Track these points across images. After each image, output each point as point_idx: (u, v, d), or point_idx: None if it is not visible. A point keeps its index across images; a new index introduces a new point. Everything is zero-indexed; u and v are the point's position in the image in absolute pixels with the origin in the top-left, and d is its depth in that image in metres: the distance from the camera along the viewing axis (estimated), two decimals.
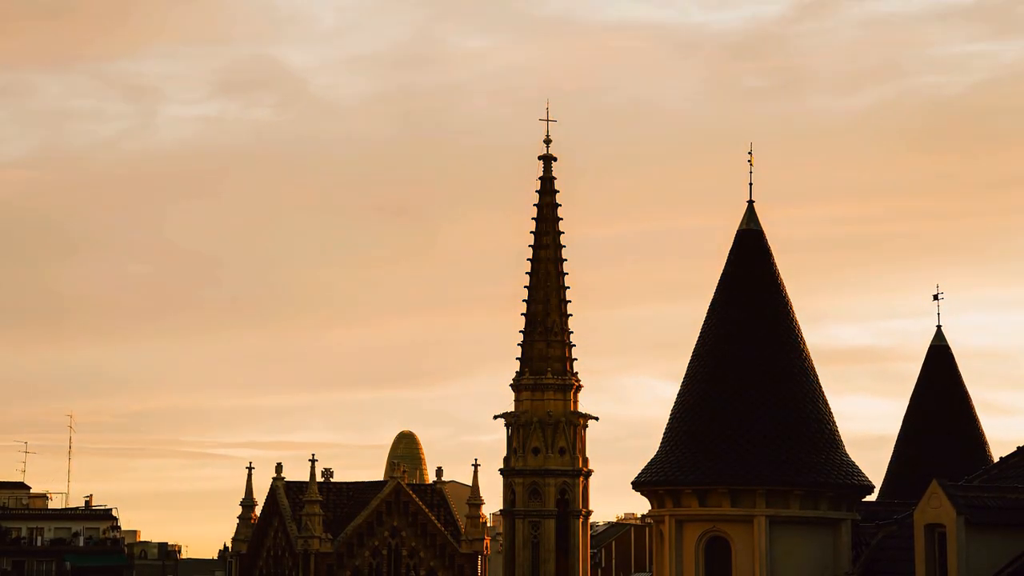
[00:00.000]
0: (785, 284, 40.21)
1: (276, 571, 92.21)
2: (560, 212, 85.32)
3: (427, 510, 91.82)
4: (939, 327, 49.31)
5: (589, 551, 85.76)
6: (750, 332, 39.07)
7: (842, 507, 37.96)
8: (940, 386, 48.60)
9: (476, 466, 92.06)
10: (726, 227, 40.98)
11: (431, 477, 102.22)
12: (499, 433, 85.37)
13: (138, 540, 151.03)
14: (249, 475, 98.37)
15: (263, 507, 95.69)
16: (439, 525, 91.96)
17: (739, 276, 40.10)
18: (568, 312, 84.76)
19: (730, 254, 40.57)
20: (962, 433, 48.01)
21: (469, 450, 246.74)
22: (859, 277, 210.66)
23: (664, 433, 39.44)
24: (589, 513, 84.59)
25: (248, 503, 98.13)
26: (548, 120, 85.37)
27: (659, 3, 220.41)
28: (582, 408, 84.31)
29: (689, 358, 39.96)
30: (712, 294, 40.39)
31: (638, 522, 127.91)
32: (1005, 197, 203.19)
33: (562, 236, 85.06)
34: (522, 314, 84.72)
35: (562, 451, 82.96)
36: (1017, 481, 36.79)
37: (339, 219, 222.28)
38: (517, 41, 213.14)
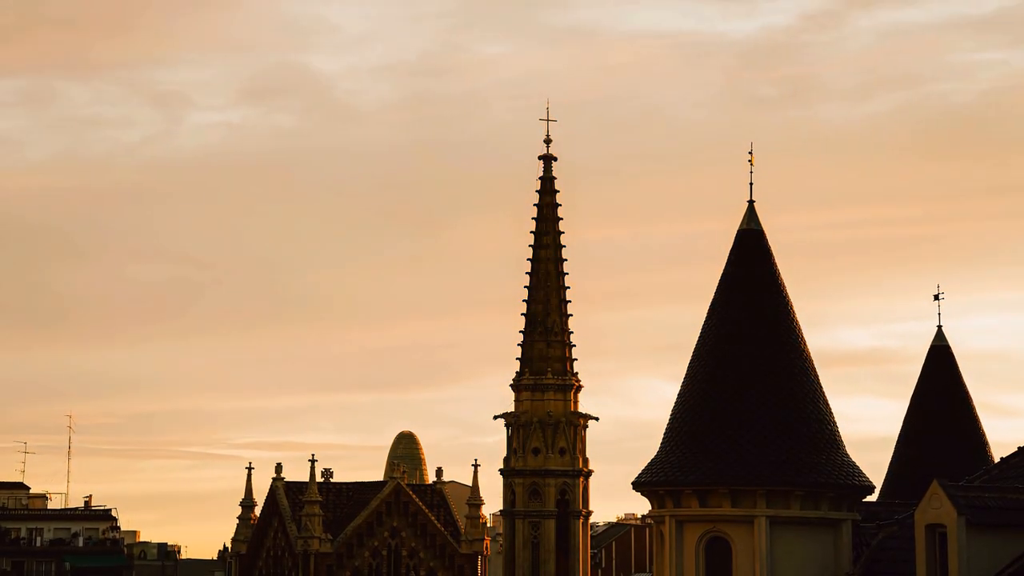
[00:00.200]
0: (786, 284, 40.17)
1: (276, 571, 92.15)
2: (564, 213, 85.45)
3: (427, 510, 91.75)
4: (939, 327, 49.28)
5: (589, 551, 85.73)
6: (750, 332, 39.01)
7: (843, 507, 37.90)
8: (941, 386, 48.52)
9: (476, 466, 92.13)
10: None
11: (431, 477, 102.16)
12: (499, 434, 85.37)
13: (138, 540, 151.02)
14: (249, 475, 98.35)
15: (263, 507, 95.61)
16: (439, 525, 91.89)
17: (739, 276, 40.04)
18: (568, 312, 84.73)
19: (730, 254, 40.51)
20: (963, 433, 47.95)
21: (469, 451, 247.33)
22: (864, 280, 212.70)
23: (664, 433, 39.39)
24: (589, 513, 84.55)
25: (248, 503, 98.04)
26: (548, 120, 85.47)
27: (683, 12, 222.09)
28: (586, 409, 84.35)
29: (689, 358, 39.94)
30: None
31: (638, 522, 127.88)
32: (1009, 202, 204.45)
33: (562, 236, 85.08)
34: (522, 314, 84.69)
35: (562, 451, 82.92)
36: (1018, 481, 36.75)
37: (347, 224, 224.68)
38: (536, 49, 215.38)
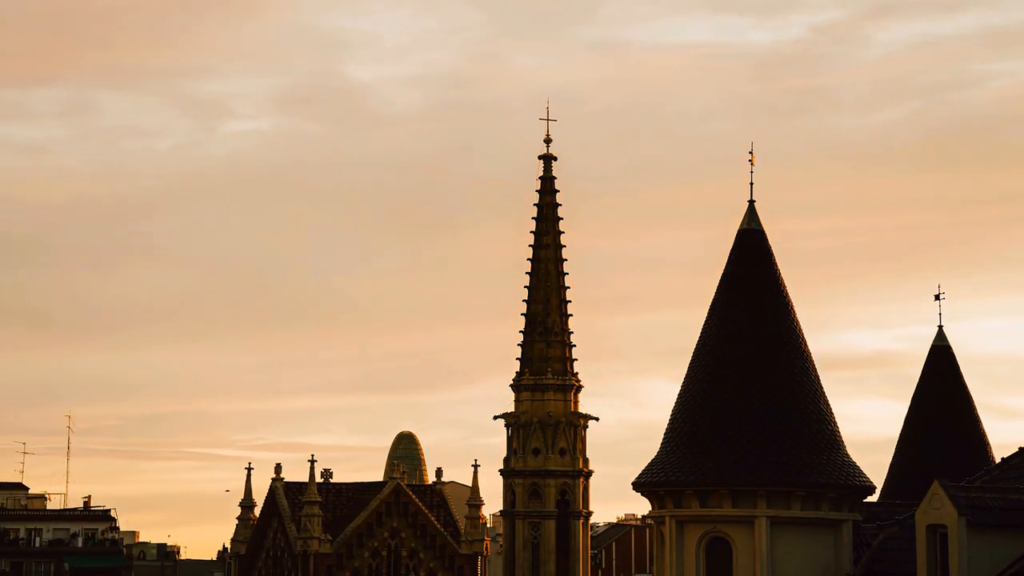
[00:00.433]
0: (787, 285, 40.11)
1: (275, 572, 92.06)
2: (565, 213, 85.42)
3: (427, 511, 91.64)
4: (940, 327, 49.16)
5: (589, 552, 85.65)
6: (751, 332, 38.93)
7: (843, 508, 37.83)
8: (942, 386, 48.40)
9: (476, 467, 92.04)
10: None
11: (431, 478, 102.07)
12: (500, 435, 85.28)
13: (137, 541, 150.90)
14: (248, 476, 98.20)
15: (262, 508, 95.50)
16: (439, 526, 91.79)
17: (740, 276, 39.97)
18: (568, 312, 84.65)
19: (731, 254, 40.46)
20: (964, 433, 47.84)
21: (469, 452, 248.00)
22: (866, 283, 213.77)
23: (665, 434, 39.33)
24: (589, 514, 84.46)
25: (247, 504, 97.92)
26: (548, 120, 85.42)
27: (715, 25, 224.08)
28: (589, 410, 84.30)
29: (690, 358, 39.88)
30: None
31: (638, 523, 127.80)
32: (1015, 209, 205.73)
33: (563, 236, 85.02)
34: (522, 314, 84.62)
35: (562, 452, 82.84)
36: (1019, 482, 36.67)
37: (355, 229, 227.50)
38: (564, 61, 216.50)
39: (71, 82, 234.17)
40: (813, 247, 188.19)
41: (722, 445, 37.69)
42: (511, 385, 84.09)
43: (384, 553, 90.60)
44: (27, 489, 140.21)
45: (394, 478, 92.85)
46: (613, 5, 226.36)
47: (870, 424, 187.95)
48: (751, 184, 40.69)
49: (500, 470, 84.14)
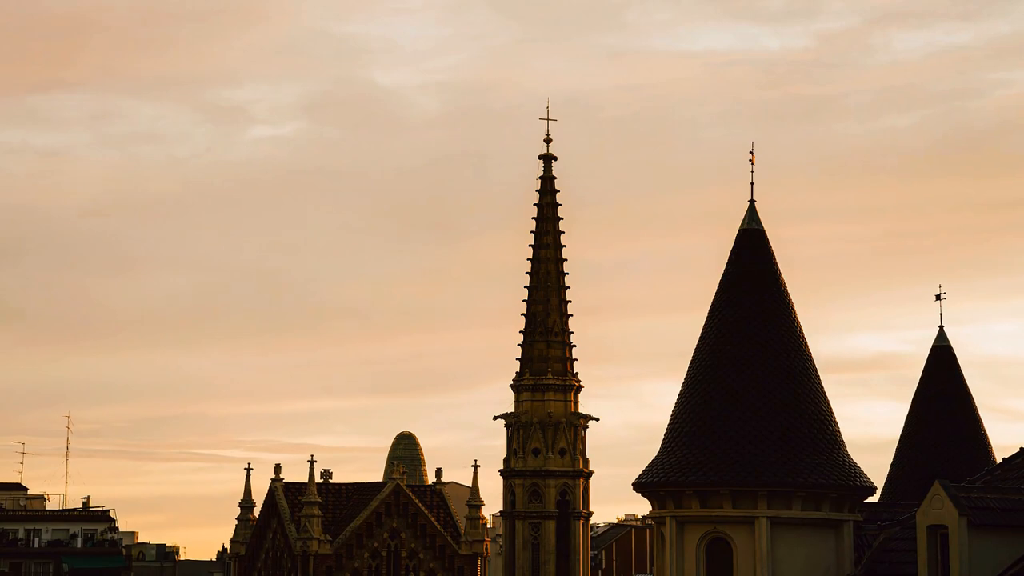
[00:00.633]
0: (788, 285, 40.01)
1: (275, 573, 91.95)
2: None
3: (426, 511, 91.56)
4: (941, 327, 49.07)
5: (590, 553, 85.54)
6: (751, 332, 38.83)
7: (844, 508, 37.73)
8: (943, 386, 48.32)
9: (476, 467, 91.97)
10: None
11: (431, 478, 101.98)
12: (500, 437, 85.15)
13: (136, 542, 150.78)
14: (247, 476, 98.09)
15: (262, 508, 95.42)
16: (439, 526, 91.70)
17: (740, 276, 39.86)
18: (568, 313, 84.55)
19: (731, 254, 40.37)
20: (965, 433, 47.75)
21: (469, 452, 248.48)
22: (868, 287, 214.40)
23: (665, 434, 39.23)
24: (590, 514, 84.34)
25: (247, 504, 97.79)
26: (548, 119, 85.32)
27: (730, 33, 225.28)
28: (592, 411, 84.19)
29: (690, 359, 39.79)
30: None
31: (639, 523, 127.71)
32: (1017, 213, 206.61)
33: (563, 236, 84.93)
34: (522, 314, 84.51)
35: (562, 452, 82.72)
36: (1020, 482, 36.61)
37: (361, 235, 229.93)
38: (581, 67, 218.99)
39: (95, 89, 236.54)
40: (815, 251, 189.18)
41: (722, 445, 37.60)
42: (511, 385, 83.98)
43: (384, 554, 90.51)
44: (26, 490, 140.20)
45: (394, 479, 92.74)
46: (635, 12, 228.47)
47: (872, 426, 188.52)
48: (751, 184, 40.63)
49: (500, 470, 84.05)
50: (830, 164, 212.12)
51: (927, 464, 45.60)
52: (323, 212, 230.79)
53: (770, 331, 38.85)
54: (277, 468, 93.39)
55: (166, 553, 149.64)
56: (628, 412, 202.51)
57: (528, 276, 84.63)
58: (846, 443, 38.84)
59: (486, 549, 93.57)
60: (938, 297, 48.78)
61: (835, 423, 38.78)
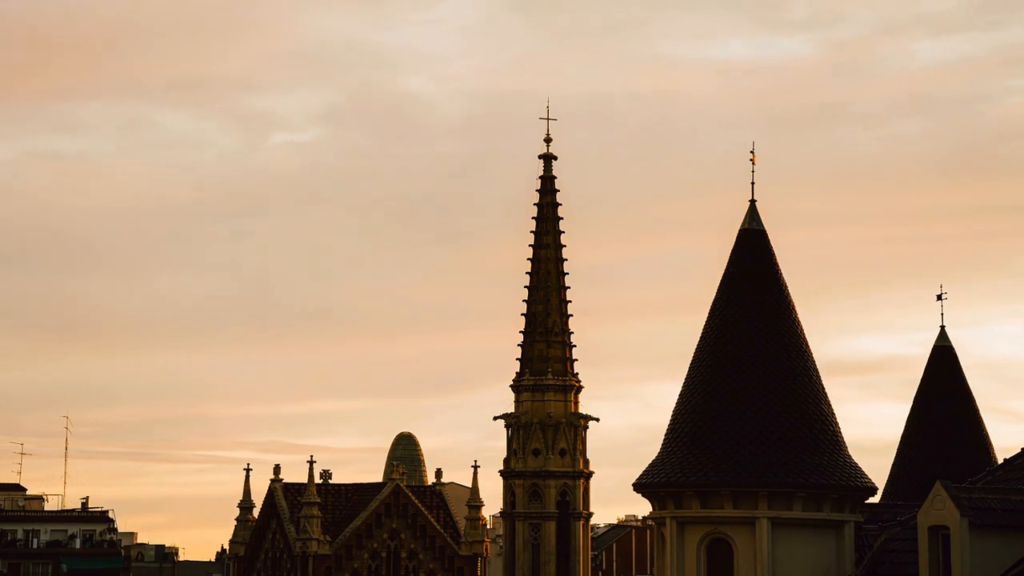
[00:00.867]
0: (788, 285, 39.90)
1: (274, 573, 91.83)
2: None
3: (426, 512, 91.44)
4: (943, 327, 48.95)
5: (590, 553, 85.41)
6: (752, 332, 38.72)
7: (845, 509, 37.62)
8: (944, 386, 48.20)
9: (476, 468, 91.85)
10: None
11: (430, 479, 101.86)
12: (500, 438, 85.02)
13: (135, 543, 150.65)
14: (247, 477, 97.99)
15: (261, 509, 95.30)
16: (438, 527, 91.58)
17: (740, 276, 39.76)
18: (569, 313, 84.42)
19: (732, 254, 40.28)
20: (966, 433, 47.63)
21: (469, 453, 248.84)
22: (874, 288, 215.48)
23: (665, 434, 39.11)
24: (590, 515, 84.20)
25: (246, 505, 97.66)
26: (548, 119, 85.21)
27: (756, 44, 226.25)
28: (592, 412, 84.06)
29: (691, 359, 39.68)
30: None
31: (639, 524, 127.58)
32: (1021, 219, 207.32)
33: (563, 236, 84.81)
34: (522, 314, 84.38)
35: (563, 452, 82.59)
36: (1022, 483, 36.47)
37: (365, 239, 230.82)
38: (598, 74, 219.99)
39: (119, 95, 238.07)
40: (817, 253, 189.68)
41: (723, 446, 37.48)
42: (511, 386, 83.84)
43: (383, 554, 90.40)
44: (25, 490, 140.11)
45: (393, 479, 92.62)
46: (660, 21, 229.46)
47: (873, 427, 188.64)
48: (752, 184, 40.53)
49: (500, 471, 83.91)
50: (835, 169, 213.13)
51: (928, 464, 45.46)
52: (328, 216, 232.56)
53: (771, 331, 38.74)
54: (276, 469, 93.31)
55: (165, 554, 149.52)
56: (629, 413, 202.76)
57: (528, 276, 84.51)
58: (847, 444, 38.75)
59: (486, 550, 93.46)
60: (939, 297, 48.73)
61: (836, 423, 38.66)
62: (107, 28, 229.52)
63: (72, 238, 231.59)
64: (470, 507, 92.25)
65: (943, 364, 48.58)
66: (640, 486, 38.88)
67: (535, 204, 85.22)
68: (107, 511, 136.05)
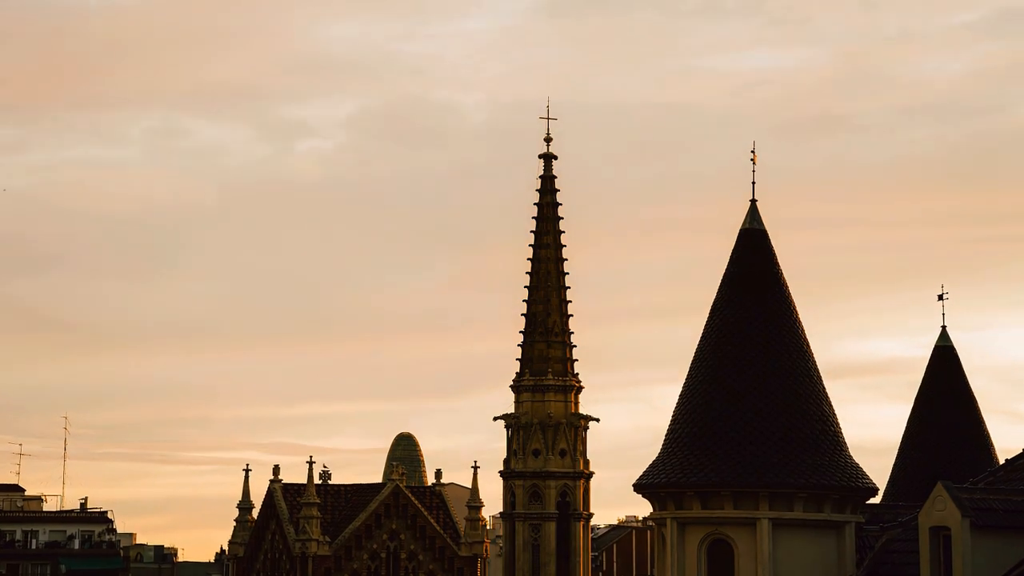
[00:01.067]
0: (789, 287, 39.81)
1: (273, 574, 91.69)
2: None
3: (426, 513, 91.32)
4: (944, 327, 48.85)
5: (590, 554, 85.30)
6: (752, 332, 38.63)
7: (846, 510, 37.53)
8: (945, 386, 48.11)
9: (476, 468, 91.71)
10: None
11: (430, 479, 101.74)
12: (500, 439, 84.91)
13: (134, 543, 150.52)
14: (246, 477, 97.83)
15: (260, 510, 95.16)
16: (438, 528, 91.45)
17: (741, 276, 39.69)
18: (569, 313, 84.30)
19: (732, 254, 40.21)
20: (967, 434, 47.54)
21: (470, 454, 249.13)
22: (876, 290, 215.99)
23: (666, 435, 39.02)
24: (590, 516, 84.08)
25: (245, 506, 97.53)
26: (548, 118, 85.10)
27: (769, 55, 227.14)
28: (593, 413, 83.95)
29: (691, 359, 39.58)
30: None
31: (640, 525, 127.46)
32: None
33: (563, 235, 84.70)
34: (522, 314, 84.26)
35: (563, 453, 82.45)
36: (1023, 483, 36.34)
37: (368, 238, 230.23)
38: (614, 84, 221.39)
39: (150, 103, 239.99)
40: (817, 255, 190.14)
41: (724, 446, 37.38)
42: (511, 386, 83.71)
43: (383, 555, 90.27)
44: (23, 491, 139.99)
45: (393, 480, 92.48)
46: (699, 35, 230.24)
47: (876, 429, 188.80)
48: (752, 184, 40.45)
49: (500, 471, 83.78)
50: (838, 173, 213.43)
51: (929, 465, 45.36)
52: (331, 220, 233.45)
53: (771, 331, 38.66)
54: (276, 469, 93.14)
55: (164, 554, 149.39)
56: (631, 415, 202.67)
57: (528, 276, 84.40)
58: (849, 446, 38.65)
59: (486, 551, 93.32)
60: (940, 297, 48.65)
61: (837, 424, 38.57)
62: (139, 36, 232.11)
63: (85, 243, 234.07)
64: (470, 508, 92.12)
65: (944, 364, 48.48)
66: (640, 487, 38.78)
67: (535, 204, 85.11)
68: (106, 512, 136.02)
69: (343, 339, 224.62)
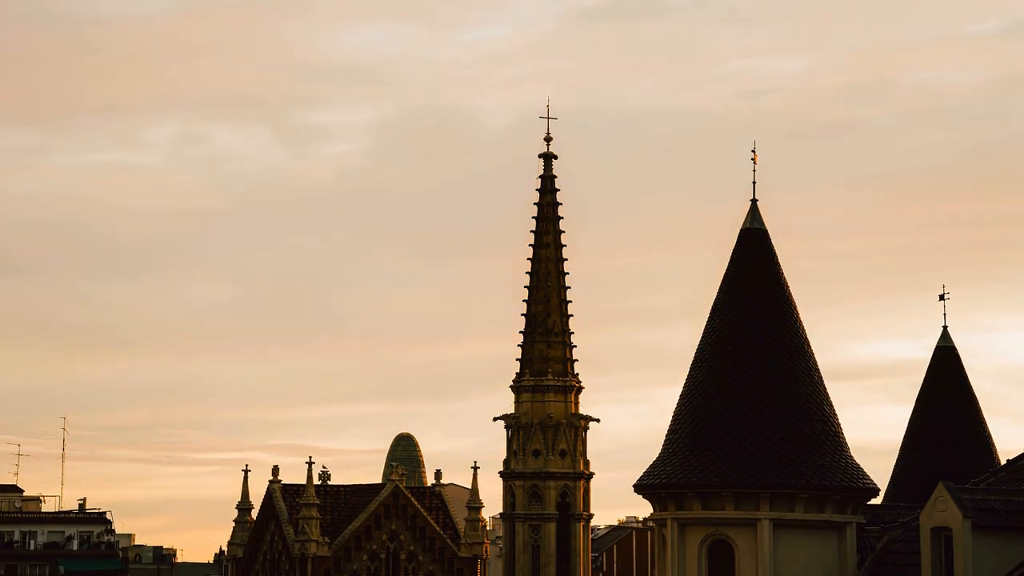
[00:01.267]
0: (789, 284, 39.72)
1: (273, 575, 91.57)
2: (565, 213, 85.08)
3: (426, 513, 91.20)
4: (945, 328, 48.79)
5: (590, 555, 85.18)
6: (753, 332, 38.54)
7: (847, 510, 37.44)
8: (946, 386, 48.05)
9: (475, 469, 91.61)
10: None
11: (430, 480, 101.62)
12: (500, 440, 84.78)
13: (133, 544, 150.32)
14: (245, 478, 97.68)
15: (259, 510, 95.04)
16: (438, 528, 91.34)
17: (742, 275, 39.62)
18: (569, 313, 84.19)
19: (733, 253, 40.15)
20: (969, 434, 47.47)
21: (469, 454, 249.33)
22: (877, 292, 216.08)
23: (667, 435, 38.94)
24: (590, 516, 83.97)
25: (244, 506, 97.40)
26: (548, 118, 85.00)
27: (778, 63, 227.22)
28: (592, 412, 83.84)
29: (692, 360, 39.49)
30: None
31: (640, 526, 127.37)
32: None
33: (563, 235, 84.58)
34: (522, 315, 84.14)
35: (563, 453, 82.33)
36: None
37: (369, 240, 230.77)
38: (626, 90, 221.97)
39: (173, 108, 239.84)
40: (819, 256, 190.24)
41: (724, 447, 37.29)
42: (511, 386, 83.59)
43: (383, 556, 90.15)
44: (22, 491, 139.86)
45: (393, 480, 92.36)
46: (719, 41, 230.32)
47: (877, 430, 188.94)
48: (753, 183, 40.37)
49: (500, 472, 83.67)
50: (841, 177, 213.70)
51: (931, 466, 45.29)
52: (333, 223, 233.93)
53: (772, 331, 38.58)
54: (275, 470, 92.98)
55: (163, 555, 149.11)
56: (631, 415, 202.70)
57: (528, 276, 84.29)
58: (850, 447, 38.55)
59: (486, 551, 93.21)
60: (941, 297, 48.60)
61: (838, 424, 38.50)
62: (161, 41, 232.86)
63: (97, 246, 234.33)
64: (470, 508, 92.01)
65: (945, 364, 48.43)
66: (641, 487, 38.69)
67: (535, 204, 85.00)
68: (104, 512, 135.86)
69: (343, 339, 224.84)
